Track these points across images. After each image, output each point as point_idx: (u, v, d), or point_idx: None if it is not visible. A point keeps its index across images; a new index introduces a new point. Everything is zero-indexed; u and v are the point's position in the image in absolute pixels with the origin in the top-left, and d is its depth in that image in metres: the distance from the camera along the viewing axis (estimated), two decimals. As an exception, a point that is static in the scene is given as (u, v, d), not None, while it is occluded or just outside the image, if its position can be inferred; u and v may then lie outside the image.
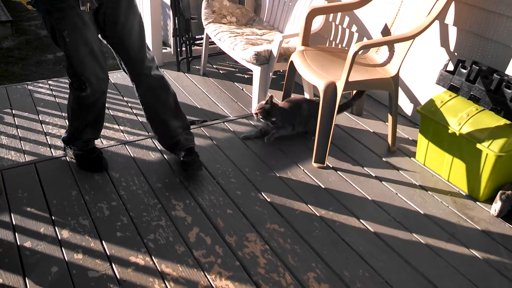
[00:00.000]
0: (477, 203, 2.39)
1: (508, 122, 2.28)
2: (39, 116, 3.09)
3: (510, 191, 2.28)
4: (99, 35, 2.18)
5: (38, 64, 5.18)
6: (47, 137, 2.87)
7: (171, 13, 3.85)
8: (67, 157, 2.50)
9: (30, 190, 2.25)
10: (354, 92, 2.92)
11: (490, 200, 2.37)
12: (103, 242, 1.99)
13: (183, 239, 2.03)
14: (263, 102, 2.72)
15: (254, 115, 2.73)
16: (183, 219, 2.15)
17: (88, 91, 2.18)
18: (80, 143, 2.42)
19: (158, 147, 2.65)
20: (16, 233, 2.00)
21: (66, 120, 3.06)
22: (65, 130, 2.92)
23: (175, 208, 2.21)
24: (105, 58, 2.21)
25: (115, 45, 2.22)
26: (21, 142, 2.80)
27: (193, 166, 2.43)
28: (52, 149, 2.75)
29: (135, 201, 2.24)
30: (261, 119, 2.71)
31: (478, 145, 2.27)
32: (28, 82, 3.59)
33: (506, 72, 2.45)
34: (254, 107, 3.22)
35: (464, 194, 2.45)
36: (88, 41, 2.08)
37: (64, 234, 2.02)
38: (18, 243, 1.95)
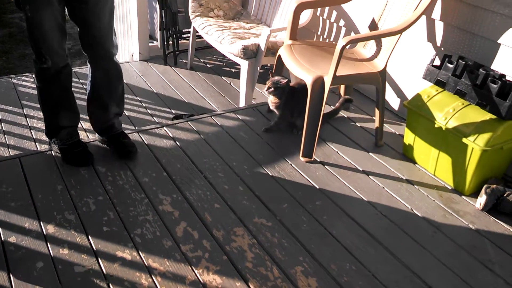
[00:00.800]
0: (463, 197, 2.41)
1: (493, 116, 2.30)
2: (24, 110, 3.05)
3: (495, 185, 2.31)
4: (67, 12, 2.17)
5: (22, 57, 5.11)
6: (31, 131, 2.83)
7: (157, 6, 3.82)
8: (52, 151, 2.46)
9: (15, 185, 2.22)
10: (341, 99, 2.94)
11: (475, 194, 2.39)
12: (89, 237, 1.98)
13: (170, 234, 2.02)
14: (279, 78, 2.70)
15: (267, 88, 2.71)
16: (170, 214, 2.14)
17: (49, 63, 2.17)
18: (64, 135, 2.39)
19: (145, 141, 2.63)
20: (0, 228, 1.97)
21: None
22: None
23: (162, 202, 2.20)
24: (65, 36, 2.20)
25: (82, 24, 2.21)
26: (5, 136, 2.76)
27: (134, 148, 2.51)
28: (37, 143, 2.72)
29: (121, 195, 2.22)
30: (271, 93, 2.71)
31: (464, 140, 2.29)
32: (12, 76, 3.54)
33: (492, 67, 2.47)
34: (242, 101, 3.21)
35: (450, 188, 2.47)
36: (48, 18, 2.09)
37: (50, 229, 2.00)
38: (3, 239, 1.93)
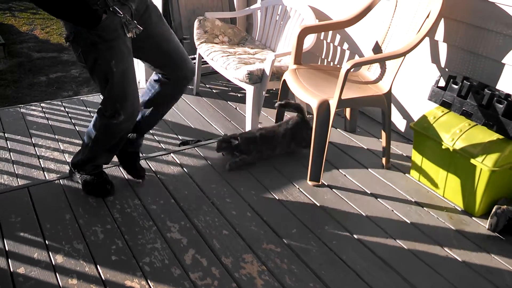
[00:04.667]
0: (473, 218, 2.39)
1: (500, 136, 2.29)
2: (32, 139, 3.08)
3: (505, 206, 2.28)
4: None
5: (31, 86, 5.17)
6: (40, 160, 2.85)
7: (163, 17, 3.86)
8: (60, 180, 2.47)
9: (23, 215, 2.23)
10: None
11: (485, 215, 2.37)
12: (98, 266, 1.97)
13: (179, 262, 2.01)
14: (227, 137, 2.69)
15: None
16: (179, 241, 2.13)
17: (121, 118, 2.14)
18: (90, 166, 2.37)
19: (152, 168, 2.64)
20: (9, 259, 1.97)
21: (59, 143, 3.04)
22: (57, 152, 2.92)
23: (170, 230, 2.19)
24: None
25: (158, 55, 2.23)
26: (14, 165, 2.78)
27: (144, 172, 2.56)
28: (45, 173, 2.73)
29: (129, 223, 2.22)
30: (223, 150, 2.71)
31: (472, 160, 2.28)
32: (20, 105, 3.58)
33: (497, 87, 2.48)
34: (248, 125, 3.23)
35: (459, 209, 2.45)
36: (132, 68, 2.10)
37: (58, 259, 1.99)
38: (12, 269, 1.92)
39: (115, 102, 2.13)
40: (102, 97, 2.18)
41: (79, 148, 2.43)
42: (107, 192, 2.38)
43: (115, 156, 2.47)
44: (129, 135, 2.41)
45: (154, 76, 2.39)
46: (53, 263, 1.97)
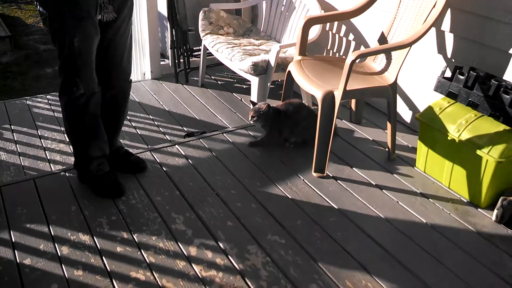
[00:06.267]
0: (479, 209, 2.37)
1: (507, 127, 2.27)
2: (38, 131, 3.09)
3: (511, 197, 2.27)
4: None
5: (37, 78, 5.19)
6: (46, 152, 2.87)
7: (168, 25, 3.86)
8: (66, 173, 2.49)
9: (30, 206, 2.25)
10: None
11: (491, 206, 2.35)
12: (103, 257, 1.98)
13: (183, 253, 2.02)
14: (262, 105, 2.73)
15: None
16: (183, 233, 2.14)
17: (80, 92, 2.12)
18: (94, 167, 2.33)
19: (158, 160, 2.64)
20: (16, 250, 1.99)
21: (65, 135, 3.07)
22: (63, 144, 2.93)
23: (175, 221, 2.20)
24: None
25: (107, 48, 2.19)
26: (20, 157, 2.80)
27: (144, 163, 2.57)
28: (51, 164, 2.75)
29: (135, 215, 2.23)
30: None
31: (478, 151, 2.26)
32: (26, 97, 3.59)
33: (504, 77, 2.45)
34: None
35: (465, 200, 2.44)
36: (94, 48, 2.08)
37: (64, 250, 2.01)
38: (18, 261, 1.94)
39: (73, 74, 2.10)
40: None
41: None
42: (117, 193, 2.35)
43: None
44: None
45: None
46: (59, 254, 1.99)
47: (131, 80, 2.41)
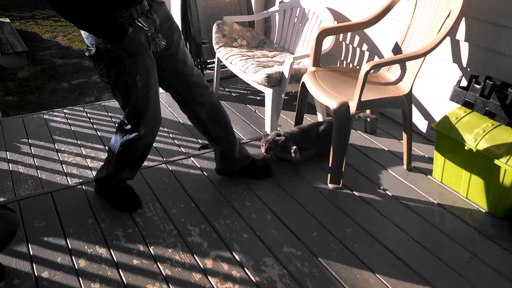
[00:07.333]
0: (497, 219, 2.34)
1: (525, 136, 2.24)
2: (55, 145, 3.13)
3: (531, 207, 2.24)
4: None
5: (54, 92, 5.26)
6: (63, 165, 2.90)
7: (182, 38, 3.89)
8: (83, 186, 2.51)
9: (47, 220, 2.27)
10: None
11: (510, 216, 2.32)
12: (120, 270, 1.99)
13: (199, 265, 2.02)
14: (270, 137, 2.66)
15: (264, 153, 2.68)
16: (199, 245, 2.14)
17: (142, 133, 2.12)
18: (114, 182, 2.36)
19: (173, 172, 2.65)
20: (34, 264, 2.01)
21: (81, 148, 3.09)
22: (80, 157, 2.96)
23: (191, 233, 2.20)
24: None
25: (173, 76, 2.20)
26: (38, 171, 2.83)
27: (271, 169, 2.65)
28: (68, 178, 2.77)
29: (151, 227, 2.24)
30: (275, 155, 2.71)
31: (496, 161, 2.23)
32: (43, 111, 3.64)
33: (521, 86, 2.42)
34: (268, 128, 3.22)
35: (483, 211, 2.40)
36: (155, 82, 2.07)
37: (81, 263, 2.02)
38: (36, 274, 1.96)
39: (137, 117, 2.10)
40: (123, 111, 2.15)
41: (101, 153, 2.45)
42: (133, 206, 2.36)
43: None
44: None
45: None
46: (76, 267, 2.00)
47: (208, 87, 2.37)
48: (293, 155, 2.67)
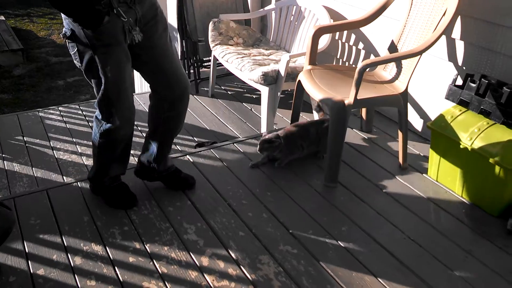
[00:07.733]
0: (492, 218, 2.35)
1: (520, 135, 2.26)
2: (51, 143, 3.12)
3: (526, 205, 2.25)
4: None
5: (49, 90, 5.25)
6: (58, 163, 2.89)
7: (178, 36, 3.89)
8: (78, 183, 2.50)
9: (42, 217, 2.26)
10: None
11: (505, 215, 2.33)
12: (116, 268, 1.98)
13: (196, 263, 2.02)
14: (267, 136, 2.65)
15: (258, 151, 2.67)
16: (195, 243, 2.14)
17: (117, 124, 2.11)
18: (108, 179, 2.35)
19: (169, 170, 2.65)
20: (29, 261, 2.00)
21: (76, 146, 3.09)
22: (75, 155, 2.96)
23: (187, 231, 2.20)
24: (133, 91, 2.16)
25: (152, 70, 2.16)
26: (33, 169, 2.82)
27: (193, 179, 2.53)
28: (63, 175, 2.76)
29: (146, 225, 2.24)
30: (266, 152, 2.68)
31: (491, 160, 2.24)
32: (39, 109, 3.63)
33: (516, 85, 2.44)
34: (264, 127, 3.23)
35: (478, 209, 2.41)
36: (128, 75, 2.05)
37: (77, 260, 2.01)
38: (31, 271, 1.95)
39: (109, 106, 2.08)
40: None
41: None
42: (129, 204, 2.35)
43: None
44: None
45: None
46: (72, 264, 1.99)
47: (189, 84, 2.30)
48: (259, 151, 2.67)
